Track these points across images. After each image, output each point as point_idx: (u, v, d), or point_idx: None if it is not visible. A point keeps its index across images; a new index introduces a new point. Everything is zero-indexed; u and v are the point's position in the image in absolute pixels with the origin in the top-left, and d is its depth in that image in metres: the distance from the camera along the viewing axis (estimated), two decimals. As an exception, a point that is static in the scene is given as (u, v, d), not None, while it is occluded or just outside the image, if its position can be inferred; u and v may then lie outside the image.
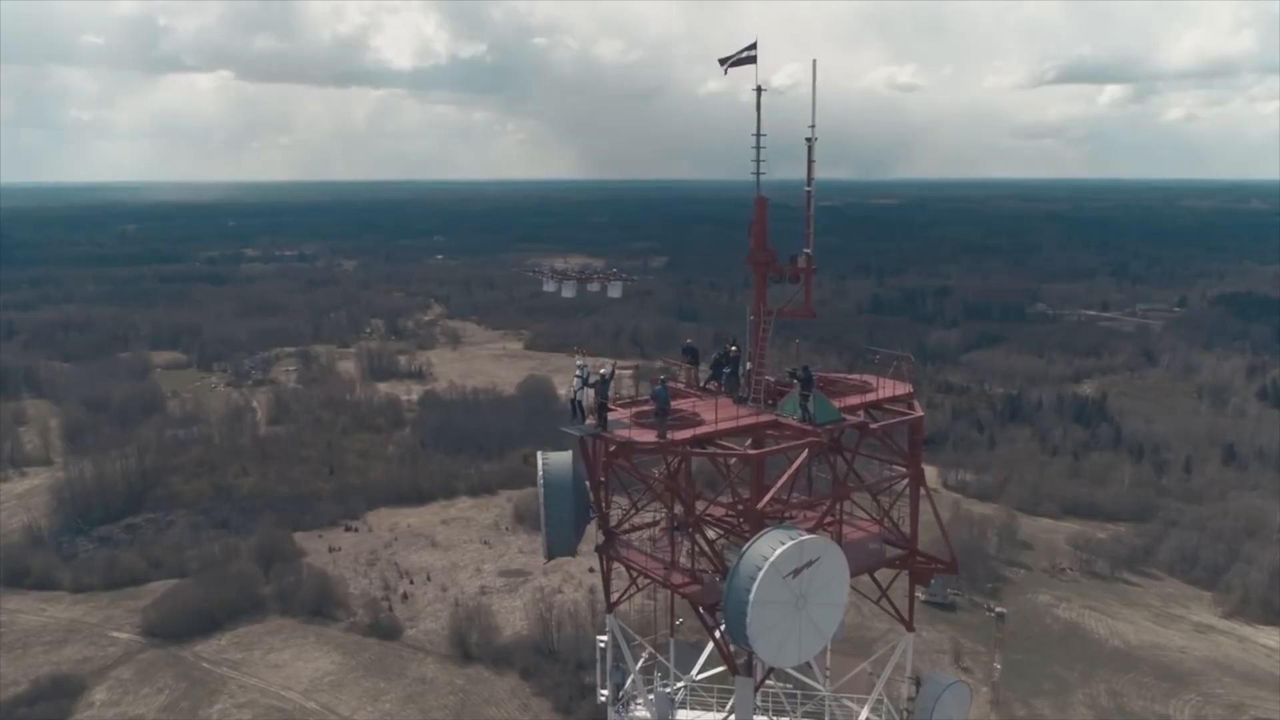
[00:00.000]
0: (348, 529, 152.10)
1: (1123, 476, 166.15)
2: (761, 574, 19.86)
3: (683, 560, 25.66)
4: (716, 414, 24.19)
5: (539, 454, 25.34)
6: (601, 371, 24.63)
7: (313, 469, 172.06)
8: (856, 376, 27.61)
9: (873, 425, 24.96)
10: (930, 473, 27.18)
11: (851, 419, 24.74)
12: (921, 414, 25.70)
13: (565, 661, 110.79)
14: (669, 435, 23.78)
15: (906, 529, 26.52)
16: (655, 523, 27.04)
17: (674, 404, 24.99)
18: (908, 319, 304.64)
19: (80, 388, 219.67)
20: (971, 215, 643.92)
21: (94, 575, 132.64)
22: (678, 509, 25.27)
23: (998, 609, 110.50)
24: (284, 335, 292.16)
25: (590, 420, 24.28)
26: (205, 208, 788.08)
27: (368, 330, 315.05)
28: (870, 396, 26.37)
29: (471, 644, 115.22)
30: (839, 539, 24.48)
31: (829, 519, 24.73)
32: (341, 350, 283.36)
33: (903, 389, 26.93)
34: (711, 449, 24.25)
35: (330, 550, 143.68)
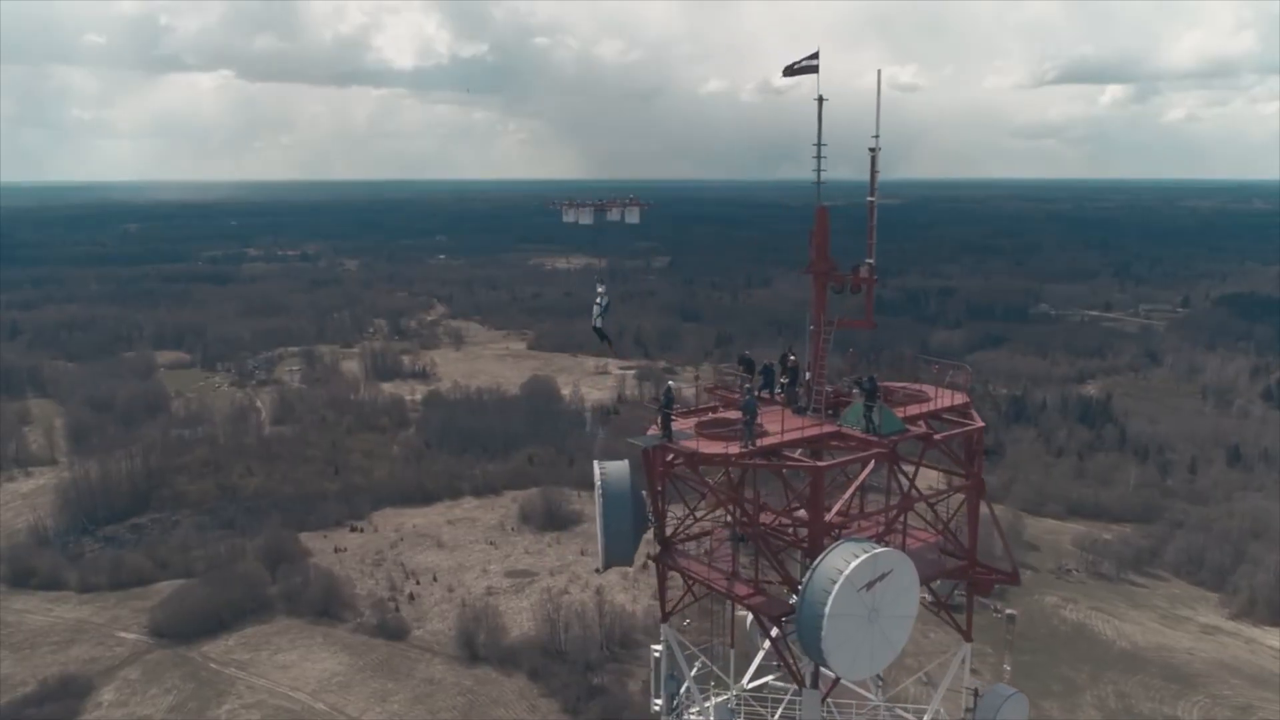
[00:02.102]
0: (353, 529, 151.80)
1: (1128, 477, 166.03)
2: (837, 587, 19.67)
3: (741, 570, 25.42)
4: (782, 425, 24.05)
5: (596, 463, 25.18)
6: (670, 383, 24.68)
7: (317, 469, 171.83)
8: (915, 386, 27.47)
9: (936, 436, 24.79)
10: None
11: (915, 430, 24.59)
12: (982, 424, 25.53)
13: (573, 662, 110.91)
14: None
15: (962, 538, 26.25)
16: (709, 532, 26.86)
17: (730, 414, 24.87)
18: (910, 319, 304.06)
19: (84, 387, 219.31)
20: (972, 215, 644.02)
21: (100, 575, 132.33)
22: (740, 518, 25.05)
23: (1008, 611, 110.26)
24: (287, 335, 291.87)
25: (635, 428, 24.18)
26: (207, 207, 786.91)
27: (371, 330, 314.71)
28: (928, 406, 26.20)
29: (479, 645, 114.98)
30: (903, 550, 24.23)
31: (893, 529, 24.59)
32: (345, 350, 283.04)
33: (960, 399, 26.76)
34: (775, 460, 24.07)
35: (336, 550, 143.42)
